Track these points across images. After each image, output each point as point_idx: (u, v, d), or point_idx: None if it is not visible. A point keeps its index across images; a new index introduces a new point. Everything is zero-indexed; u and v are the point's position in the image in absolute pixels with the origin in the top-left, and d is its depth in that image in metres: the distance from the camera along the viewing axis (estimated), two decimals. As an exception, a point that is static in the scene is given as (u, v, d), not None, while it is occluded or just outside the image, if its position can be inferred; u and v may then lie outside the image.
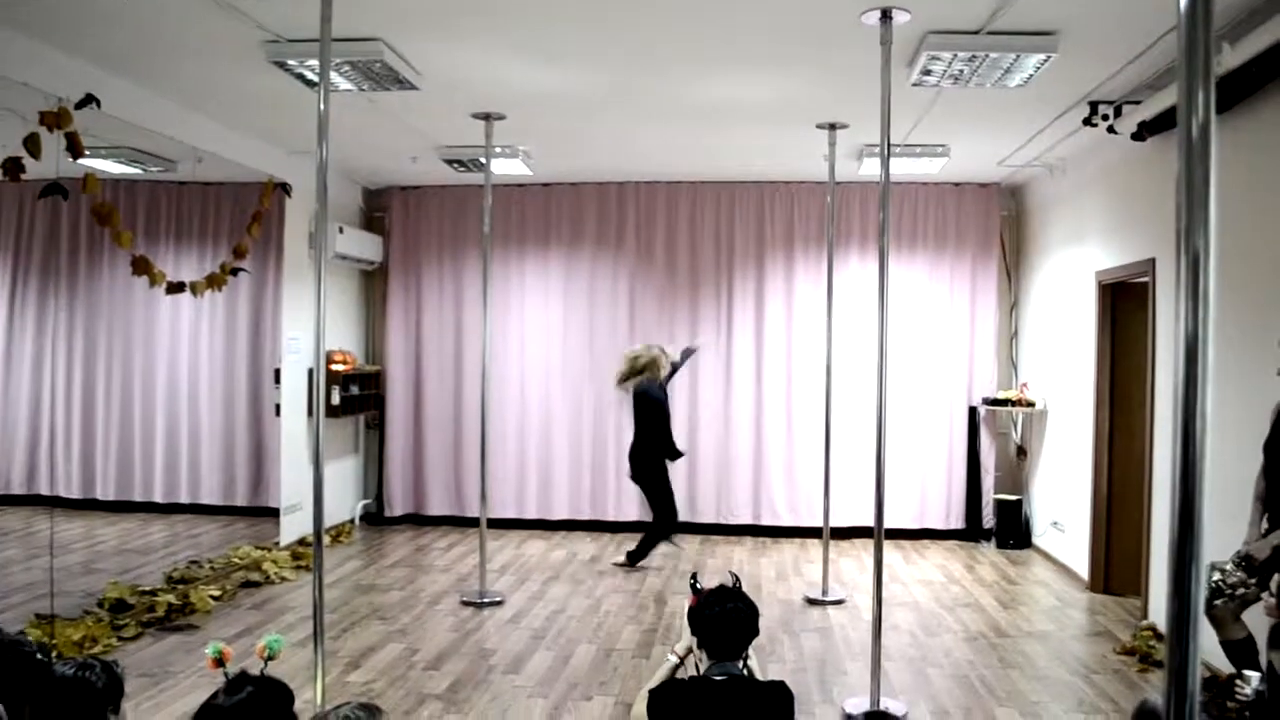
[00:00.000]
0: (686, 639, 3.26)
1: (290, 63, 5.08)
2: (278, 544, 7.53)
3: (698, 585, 3.34)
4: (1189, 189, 1.43)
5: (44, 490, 6.16)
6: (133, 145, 6.08)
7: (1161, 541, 5.81)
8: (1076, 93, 5.71)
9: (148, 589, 6.14)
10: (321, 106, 4.01)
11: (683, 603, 3.22)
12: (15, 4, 4.41)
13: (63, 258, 6.26)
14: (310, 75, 5.24)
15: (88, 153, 5.08)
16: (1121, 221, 6.57)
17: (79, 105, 4.96)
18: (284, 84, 5.47)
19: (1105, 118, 5.86)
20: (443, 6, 4.45)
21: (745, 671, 3.05)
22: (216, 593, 6.42)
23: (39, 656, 2.59)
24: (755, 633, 3.12)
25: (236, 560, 7.09)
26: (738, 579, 3.29)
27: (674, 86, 5.75)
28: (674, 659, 3.31)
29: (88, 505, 6.61)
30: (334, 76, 5.17)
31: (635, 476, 7.88)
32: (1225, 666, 4.38)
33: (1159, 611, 5.77)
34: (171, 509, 7.04)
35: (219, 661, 2.41)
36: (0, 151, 4.63)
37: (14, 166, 4.63)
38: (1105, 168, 6.81)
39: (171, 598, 6.08)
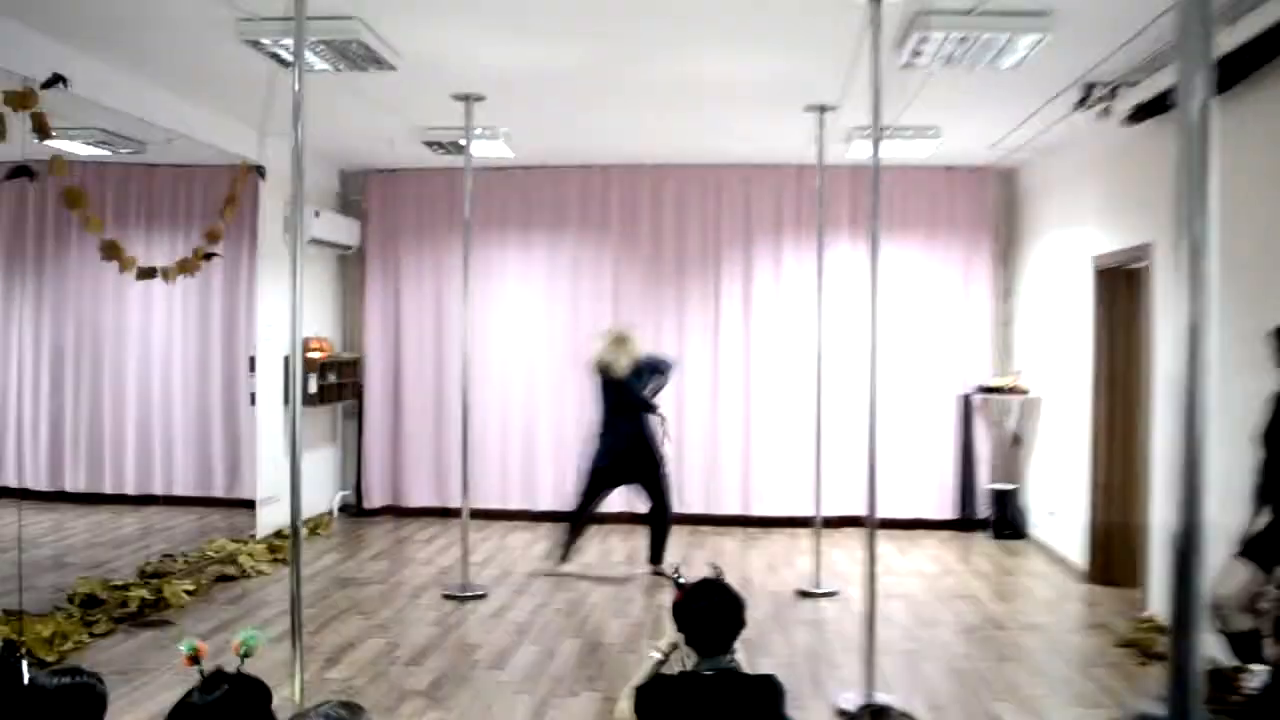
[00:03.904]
0: (670, 634, 3.18)
1: (264, 41, 4.90)
2: (254, 536, 7.37)
3: (680, 579, 3.25)
4: (1188, 174, 1.45)
5: (11, 482, 5.99)
6: (102, 126, 5.90)
7: (1161, 531, 5.73)
8: (1070, 75, 5.61)
9: (120, 583, 5.98)
10: (296, 87, 3.90)
11: (668, 595, 3.14)
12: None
13: (29, 242, 6.07)
14: (285, 55, 5.05)
15: (55, 134, 4.92)
16: (1117, 206, 6.48)
17: (46, 85, 4.81)
18: (258, 64, 5.30)
19: (1100, 100, 5.77)
20: (422, -19, 4.30)
21: (733, 665, 2.99)
22: (191, 587, 6.26)
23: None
24: (742, 625, 3.06)
25: (211, 554, 6.92)
26: (719, 570, 3.22)
27: (657, 66, 5.62)
28: (658, 655, 3.22)
29: (56, 497, 6.44)
30: (309, 56, 5.00)
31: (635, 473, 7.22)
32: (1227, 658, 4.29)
33: (1158, 603, 5.70)
34: (144, 500, 6.87)
35: (194, 658, 2.34)
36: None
37: (-23, 148, 4.48)
38: (1100, 151, 6.71)
39: (144, 592, 5.93)
